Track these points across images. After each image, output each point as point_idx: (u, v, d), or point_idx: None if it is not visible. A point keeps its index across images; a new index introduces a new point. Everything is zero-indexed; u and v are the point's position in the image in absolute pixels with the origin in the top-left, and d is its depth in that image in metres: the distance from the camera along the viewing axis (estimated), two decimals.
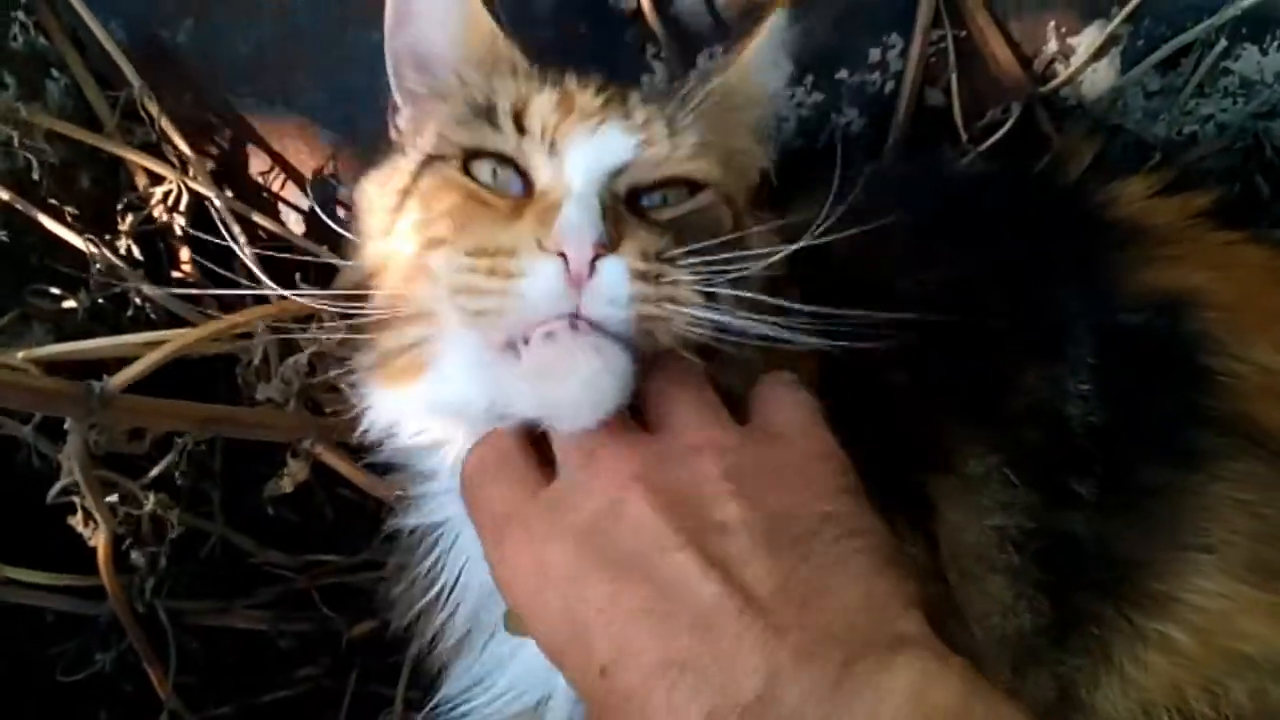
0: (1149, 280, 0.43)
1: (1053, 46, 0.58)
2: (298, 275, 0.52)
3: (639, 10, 0.53)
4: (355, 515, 0.58)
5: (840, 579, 0.25)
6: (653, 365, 0.30)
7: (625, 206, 0.32)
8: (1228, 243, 0.46)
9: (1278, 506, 0.38)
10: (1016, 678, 0.38)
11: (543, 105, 0.34)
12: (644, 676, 0.24)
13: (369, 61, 0.56)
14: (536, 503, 0.28)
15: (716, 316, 0.29)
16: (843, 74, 0.58)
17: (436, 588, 0.37)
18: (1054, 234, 0.46)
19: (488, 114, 0.34)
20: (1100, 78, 0.59)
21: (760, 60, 0.40)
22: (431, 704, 0.41)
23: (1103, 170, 0.52)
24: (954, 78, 0.57)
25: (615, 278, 0.28)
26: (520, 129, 0.33)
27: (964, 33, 0.57)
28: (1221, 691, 0.36)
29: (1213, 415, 0.39)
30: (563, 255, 0.28)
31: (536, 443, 0.31)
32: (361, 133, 0.58)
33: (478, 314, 0.29)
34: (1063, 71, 0.58)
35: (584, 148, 0.33)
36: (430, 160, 0.35)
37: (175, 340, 0.39)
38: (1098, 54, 0.58)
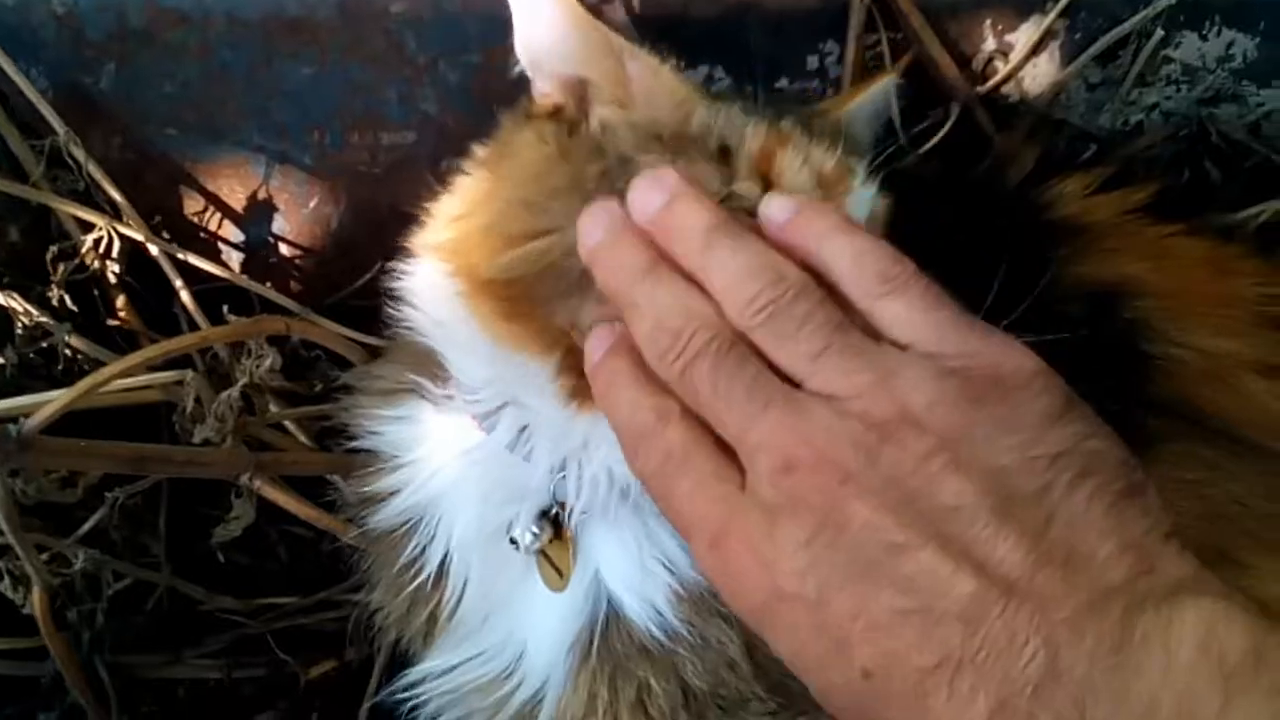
0: (1087, 273, 0.43)
1: (990, 45, 0.58)
2: (225, 308, 0.51)
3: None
4: (310, 553, 0.57)
5: (1091, 530, 0.23)
6: None
7: None
8: (1165, 235, 0.46)
9: (1221, 486, 0.38)
10: None
11: (792, 164, 0.33)
12: (918, 678, 0.23)
13: (297, 94, 0.56)
14: (745, 511, 0.26)
15: None
16: (783, 82, 0.57)
17: (422, 577, 0.37)
18: (993, 236, 0.46)
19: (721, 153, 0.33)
20: (1041, 73, 0.59)
21: (862, 115, 0.42)
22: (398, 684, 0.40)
23: (1048, 165, 0.52)
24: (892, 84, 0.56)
25: None
26: (765, 183, 0.33)
27: (900, 35, 0.56)
28: None
29: (1154, 399, 0.39)
30: None
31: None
32: (294, 164, 0.57)
33: None
34: (1002, 69, 0.58)
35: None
36: None
37: (90, 378, 0.39)
38: (1035, 50, 0.57)
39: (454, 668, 0.38)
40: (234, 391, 0.46)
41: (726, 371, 0.26)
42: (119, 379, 0.40)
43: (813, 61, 0.57)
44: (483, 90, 0.56)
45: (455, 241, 0.36)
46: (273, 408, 0.52)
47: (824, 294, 0.27)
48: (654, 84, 0.35)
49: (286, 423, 0.53)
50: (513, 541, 0.36)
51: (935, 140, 0.56)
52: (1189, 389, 0.40)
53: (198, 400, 0.48)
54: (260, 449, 0.50)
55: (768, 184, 0.33)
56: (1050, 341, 0.39)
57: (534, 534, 0.35)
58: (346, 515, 0.44)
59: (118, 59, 0.54)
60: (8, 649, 0.46)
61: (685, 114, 0.35)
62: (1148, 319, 0.42)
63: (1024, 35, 0.57)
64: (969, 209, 0.49)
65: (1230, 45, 0.58)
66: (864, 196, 0.35)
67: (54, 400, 0.38)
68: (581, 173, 0.34)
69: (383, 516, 0.38)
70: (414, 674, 0.40)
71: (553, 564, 0.36)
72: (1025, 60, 0.57)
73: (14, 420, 0.38)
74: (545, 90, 0.37)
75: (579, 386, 0.33)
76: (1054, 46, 0.58)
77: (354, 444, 0.40)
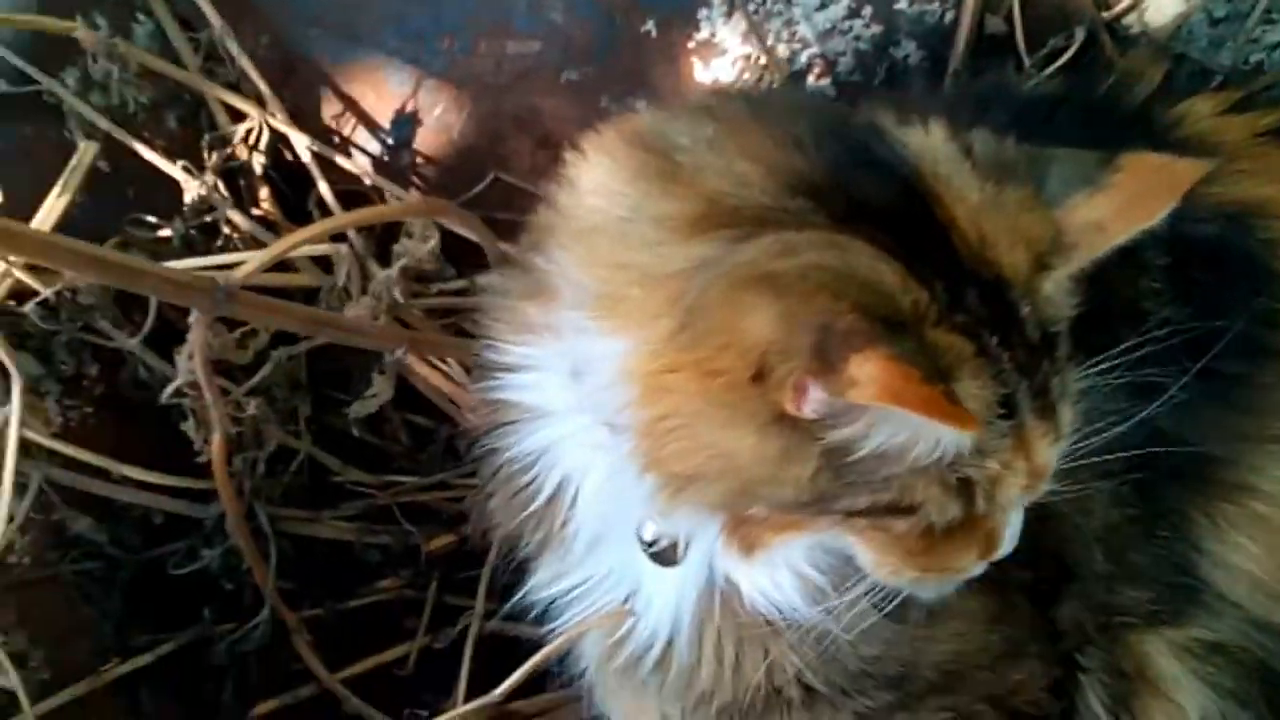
0: (1218, 193, 0.43)
1: None
2: None
3: None
4: (428, 441, 0.61)
5: None
6: None
7: None
8: None
9: None
10: (1117, 565, 0.39)
11: (1010, 488, 0.31)
12: None
13: (434, 2, 0.58)
14: None
15: None
16: (901, 4, 0.58)
17: (539, 501, 0.38)
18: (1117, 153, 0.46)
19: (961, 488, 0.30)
20: (1165, 4, 0.58)
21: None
22: (515, 599, 0.43)
23: (1168, 95, 0.52)
24: (1016, 4, 0.57)
25: None
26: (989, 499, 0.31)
27: None
28: None
29: (1274, 317, 0.40)
30: None
31: None
32: (424, 71, 0.60)
33: None
34: None
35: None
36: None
37: (284, 240, 0.42)
38: None
39: (567, 590, 0.40)
40: (393, 271, 0.49)
41: None
42: (308, 243, 0.43)
43: None
44: (608, 1, 0.57)
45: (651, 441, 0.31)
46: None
47: None
48: None
49: (415, 310, 0.56)
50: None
51: (1062, 62, 0.56)
52: None
53: (348, 276, 0.51)
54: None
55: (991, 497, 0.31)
56: (1181, 260, 0.41)
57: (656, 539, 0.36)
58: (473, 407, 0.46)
59: None
60: (181, 488, 0.50)
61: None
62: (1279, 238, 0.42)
63: None
64: (1092, 126, 0.49)
65: None
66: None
67: (256, 257, 0.42)
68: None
69: (507, 442, 0.38)
70: (527, 585, 0.42)
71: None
72: None
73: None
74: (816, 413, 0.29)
75: (734, 540, 0.34)
76: None
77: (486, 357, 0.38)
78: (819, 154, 0.32)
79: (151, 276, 0.40)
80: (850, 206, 0.31)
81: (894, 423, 0.28)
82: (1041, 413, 0.31)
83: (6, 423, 0.42)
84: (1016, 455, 0.30)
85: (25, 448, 0.45)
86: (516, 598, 0.43)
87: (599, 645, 0.43)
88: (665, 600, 0.39)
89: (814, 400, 0.28)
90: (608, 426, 0.32)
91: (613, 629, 0.41)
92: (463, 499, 0.59)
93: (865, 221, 0.30)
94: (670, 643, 0.39)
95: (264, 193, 0.60)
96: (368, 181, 0.60)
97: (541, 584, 0.42)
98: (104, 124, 0.53)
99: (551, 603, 0.42)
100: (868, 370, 0.26)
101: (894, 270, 0.29)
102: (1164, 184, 0.32)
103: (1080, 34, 0.57)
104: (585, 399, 0.33)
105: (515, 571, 0.44)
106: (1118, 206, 0.32)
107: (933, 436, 0.28)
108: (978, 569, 0.34)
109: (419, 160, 0.63)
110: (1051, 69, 0.57)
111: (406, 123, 0.61)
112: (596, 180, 0.33)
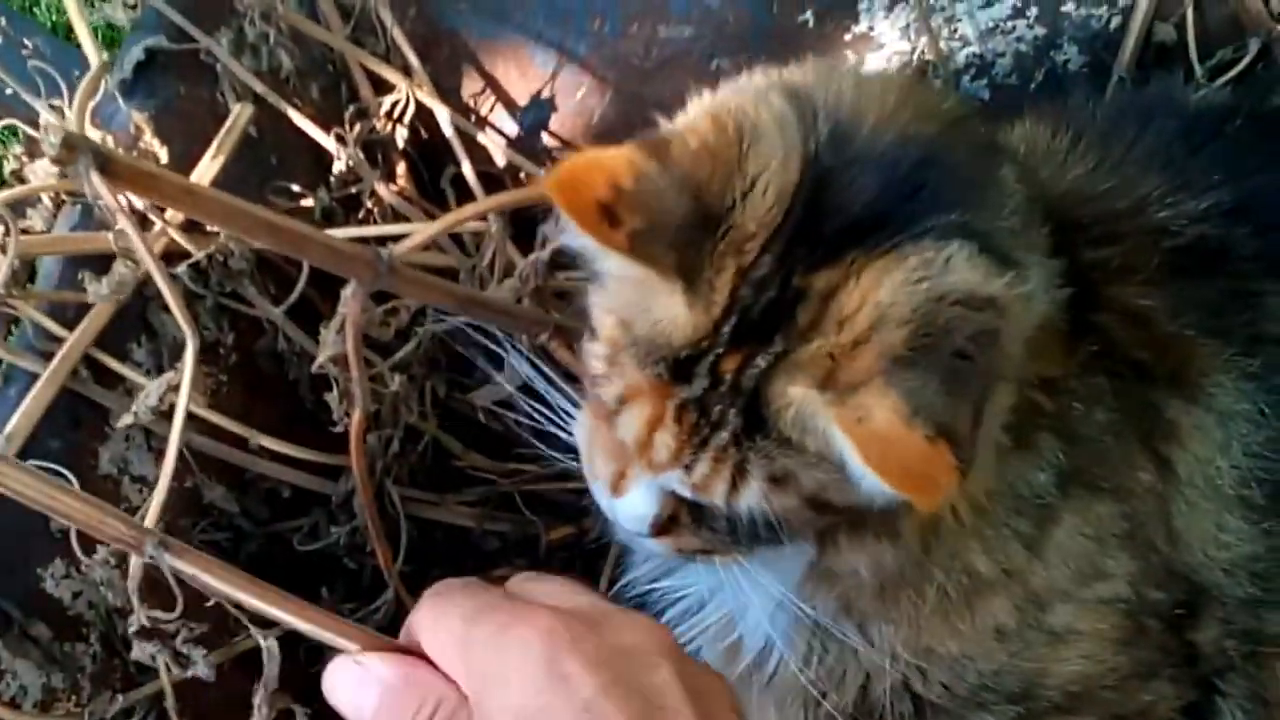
0: None
1: None
2: None
3: None
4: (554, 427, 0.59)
5: None
6: None
7: None
8: None
9: None
10: (1264, 591, 0.38)
11: (627, 424, 0.32)
12: None
13: None
14: None
15: None
16: (1068, 6, 0.56)
17: None
18: None
19: None
20: None
21: None
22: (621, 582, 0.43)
23: None
24: (1189, 12, 0.55)
25: None
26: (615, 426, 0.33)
27: None
28: None
29: None
30: None
31: None
32: (569, 53, 0.59)
33: None
34: None
35: None
36: None
37: (453, 214, 0.41)
38: None
39: (662, 594, 0.41)
40: (543, 254, 0.48)
41: None
42: (473, 219, 0.42)
43: None
44: None
45: None
46: None
47: None
48: None
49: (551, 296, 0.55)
50: None
51: (1233, 74, 0.54)
52: None
53: (493, 256, 0.50)
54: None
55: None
56: None
57: None
58: None
59: None
60: (315, 462, 0.49)
61: None
62: None
63: None
64: (1264, 139, 0.47)
65: None
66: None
67: (422, 230, 0.41)
68: None
69: None
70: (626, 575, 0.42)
71: None
72: None
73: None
74: None
75: None
76: None
77: None
78: None
79: (318, 245, 0.39)
80: None
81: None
82: (686, 413, 0.30)
83: (169, 389, 0.41)
84: (639, 405, 0.30)
85: (167, 412, 0.44)
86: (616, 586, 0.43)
87: (711, 651, 0.42)
88: (758, 610, 0.38)
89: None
90: None
91: (722, 634, 0.41)
92: (584, 490, 0.57)
93: None
94: (770, 651, 0.39)
95: (401, 169, 0.59)
96: (502, 162, 0.59)
97: (642, 577, 0.41)
98: (258, 87, 0.52)
99: (646, 596, 0.42)
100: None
101: None
102: None
103: (1254, 45, 0.55)
104: None
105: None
106: None
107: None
108: (600, 496, 0.35)
109: (556, 144, 0.62)
110: (1221, 81, 0.55)
111: (547, 105, 0.60)
112: None
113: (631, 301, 0.30)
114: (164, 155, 0.47)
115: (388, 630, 0.52)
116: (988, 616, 0.37)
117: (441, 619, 0.28)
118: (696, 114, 0.33)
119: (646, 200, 0.29)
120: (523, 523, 0.55)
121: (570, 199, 0.28)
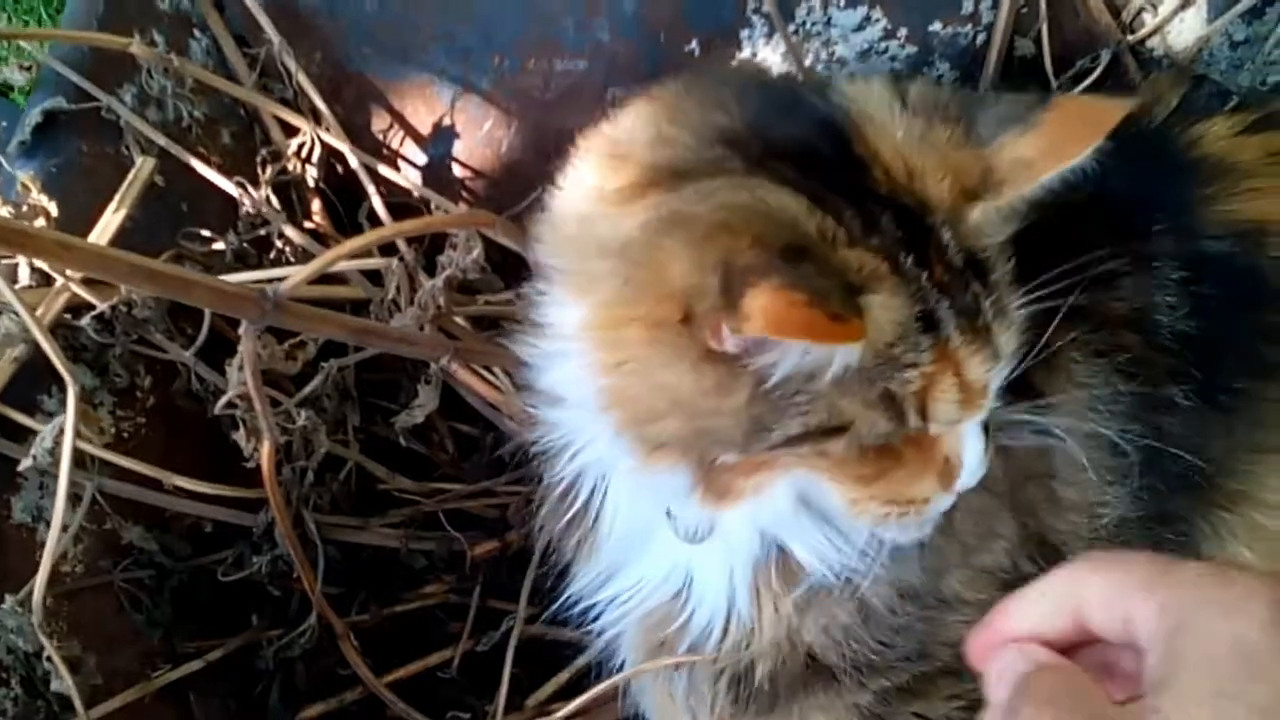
0: (1232, 212, 0.45)
1: None
2: None
3: None
4: (473, 449, 0.61)
5: None
6: None
7: None
8: None
9: None
10: None
11: (944, 397, 0.32)
12: None
13: (484, 18, 0.60)
14: None
15: None
16: (935, 26, 0.60)
17: (576, 506, 0.40)
18: (1143, 170, 0.48)
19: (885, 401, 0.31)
20: (1187, 27, 0.61)
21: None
22: (559, 601, 0.44)
23: (1193, 108, 0.54)
24: (1044, 28, 0.59)
25: None
26: (924, 417, 0.32)
27: None
28: None
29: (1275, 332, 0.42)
30: None
31: None
32: (473, 88, 0.62)
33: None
34: (1150, 21, 0.60)
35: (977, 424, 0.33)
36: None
37: (332, 251, 0.43)
38: (1185, 3, 0.59)
39: (614, 597, 0.41)
40: (438, 281, 0.50)
41: None
42: (357, 254, 0.44)
43: (968, 6, 0.60)
44: (654, 21, 0.59)
45: (613, 384, 0.33)
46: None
47: None
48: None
49: (458, 319, 0.57)
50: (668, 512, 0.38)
51: (1085, 84, 0.58)
52: None
53: (397, 289, 0.52)
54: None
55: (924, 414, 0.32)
56: (1194, 275, 0.42)
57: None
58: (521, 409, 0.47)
59: None
60: (231, 497, 0.51)
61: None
62: None
63: None
64: (1116, 140, 0.51)
65: None
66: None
67: (303, 270, 0.43)
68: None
69: (542, 442, 0.39)
70: (571, 586, 0.43)
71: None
72: (1174, 13, 0.59)
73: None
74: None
75: (707, 489, 0.35)
76: (1202, 1, 0.60)
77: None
78: (740, 109, 0.34)
79: (202, 288, 0.41)
80: (766, 151, 0.33)
81: (794, 346, 0.29)
82: (971, 331, 0.32)
83: (62, 433, 0.42)
84: (943, 370, 0.31)
85: (79, 459, 0.45)
86: (558, 603, 0.44)
87: (643, 645, 0.44)
88: (718, 583, 0.40)
89: (727, 336, 0.29)
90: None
91: (660, 626, 0.42)
92: (506, 506, 0.59)
93: (780, 162, 0.32)
94: (729, 618, 0.40)
95: (316, 206, 0.61)
96: (416, 195, 0.61)
97: (585, 589, 0.43)
98: (160, 140, 0.54)
99: (593, 606, 0.43)
100: (758, 303, 0.27)
101: (799, 201, 0.31)
102: (1089, 124, 0.33)
103: (1106, 56, 0.59)
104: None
105: (558, 576, 0.45)
106: (1045, 145, 0.33)
107: (830, 354, 0.29)
108: (944, 500, 0.35)
109: (467, 174, 0.64)
110: (1078, 90, 0.59)
111: (455, 137, 0.63)
112: (568, 179, 0.36)
113: (863, 348, 0.30)
114: (54, 210, 0.49)
115: (315, 652, 0.54)
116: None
117: None
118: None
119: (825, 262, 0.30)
120: (448, 540, 0.57)
121: (797, 327, 0.27)
